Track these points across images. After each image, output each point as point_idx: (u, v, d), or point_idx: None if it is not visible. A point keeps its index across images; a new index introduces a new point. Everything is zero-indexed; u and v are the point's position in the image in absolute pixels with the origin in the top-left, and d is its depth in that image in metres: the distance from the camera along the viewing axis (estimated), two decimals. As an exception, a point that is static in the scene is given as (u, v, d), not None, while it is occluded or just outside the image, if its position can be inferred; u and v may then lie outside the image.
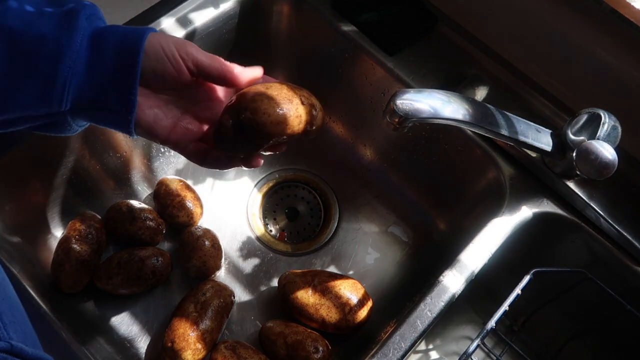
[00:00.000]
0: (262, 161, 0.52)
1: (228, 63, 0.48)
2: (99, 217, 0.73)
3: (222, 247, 0.74)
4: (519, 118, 0.61)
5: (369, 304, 0.69)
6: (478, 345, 0.58)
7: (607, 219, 0.63)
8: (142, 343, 0.69)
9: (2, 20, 0.40)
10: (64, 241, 0.67)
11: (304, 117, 0.50)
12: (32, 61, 0.40)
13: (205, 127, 0.51)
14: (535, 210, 0.65)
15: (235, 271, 0.76)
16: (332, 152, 0.86)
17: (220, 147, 0.49)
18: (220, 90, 0.52)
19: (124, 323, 0.70)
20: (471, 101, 0.57)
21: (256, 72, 0.50)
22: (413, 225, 0.81)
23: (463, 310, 0.79)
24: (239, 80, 0.48)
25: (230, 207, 0.80)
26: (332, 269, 0.77)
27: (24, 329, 0.37)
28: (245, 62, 0.83)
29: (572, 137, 0.61)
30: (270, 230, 0.80)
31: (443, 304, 0.59)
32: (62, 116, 0.43)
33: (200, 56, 0.46)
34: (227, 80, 0.48)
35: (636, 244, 0.62)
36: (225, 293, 0.69)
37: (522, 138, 0.60)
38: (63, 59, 0.40)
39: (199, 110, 0.51)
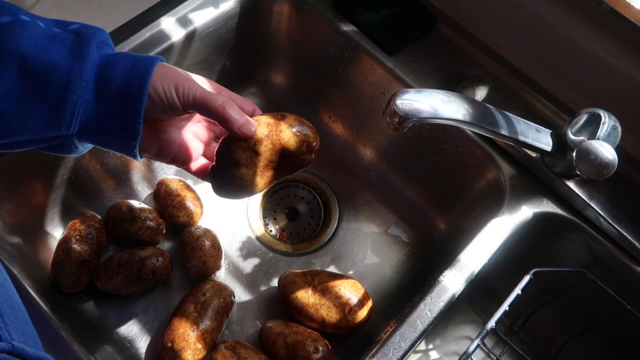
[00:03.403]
0: None
1: (226, 105, 0.46)
2: (99, 217, 0.73)
3: (222, 247, 0.74)
4: (519, 118, 0.61)
5: (369, 304, 0.69)
6: (478, 345, 0.58)
7: (607, 219, 0.63)
8: (142, 343, 0.69)
9: (15, 45, 0.40)
10: (64, 241, 0.67)
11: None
12: (42, 88, 0.41)
13: (206, 145, 0.54)
14: (535, 210, 0.65)
15: (235, 271, 0.76)
16: (332, 152, 0.86)
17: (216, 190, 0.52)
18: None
19: (124, 323, 0.70)
20: (471, 101, 0.57)
21: (251, 129, 0.48)
22: (413, 225, 0.81)
23: (463, 310, 0.79)
24: (231, 129, 0.47)
25: (230, 207, 0.80)
26: (332, 269, 0.77)
27: (26, 330, 0.37)
28: (246, 63, 0.84)
29: (572, 137, 0.61)
30: (270, 230, 0.80)
31: (443, 304, 0.59)
32: (69, 139, 0.44)
33: (201, 96, 0.46)
34: (220, 122, 0.47)
35: (636, 244, 0.62)
36: (225, 293, 0.69)
37: (522, 138, 0.60)
38: (73, 88, 0.41)
39: (199, 129, 0.54)
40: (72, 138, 0.44)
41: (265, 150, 0.48)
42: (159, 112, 0.46)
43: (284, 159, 0.50)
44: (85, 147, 0.48)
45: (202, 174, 0.53)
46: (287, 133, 0.49)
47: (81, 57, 0.42)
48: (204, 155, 0.54)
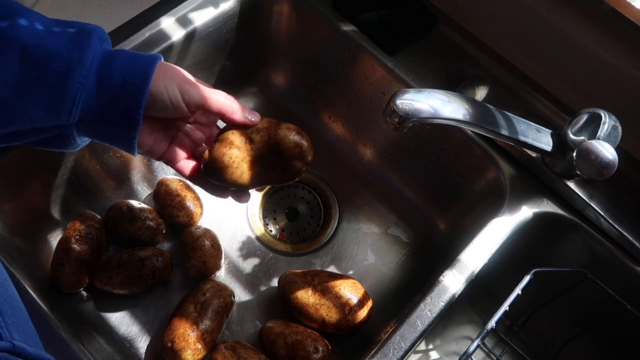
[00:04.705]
0: (249, 197, 0.56)
1: (229, 106, 0.50)
2: (99, 217, 0.73)
3: (222, 247, 0.74)
4: (519, 118, 0.61)
5: (369, 304, 0.69)
6: (478, 345, 0.58)
7: (607, 219, 0.63)
8: (142, 343, 0.69)
9: (15, 34, 0.41)
10: (64, 241, 0.67)
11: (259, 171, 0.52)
12: (42, 75, 0.42)
13: (196, 145, 0.55)
14: (535, 210, 0.65)
15: (235, 271, 0.76)
16: (332, 152, 0.86)
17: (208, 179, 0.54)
18: (211, 116, 0.55)
19: (124, 323, 0.70)
20: (471, 101, 0.57)
21: (253, 118, 0.52)
22: (413, 226, 0.81)
23: (463, 310, 0.79)
24: (236, 120, 0.51)
25: (230, 207, 0.80)
26: (332, 269, 0.77)
27: (26, 329, 0.37)
28: (246, 63, 0.84)
29: (572, 137, 0.61)
30: (270, 230, 0.80)
31: (443, 304, 0.59)
32: (68, 129, 0.45)
33: (204, 97, 0.48)
34: (225, 119, 0.51)
35: (636, 244, 0.62)
36: (225, 293, 0.69)
37: (522, 138, 0.60)
38: (73, 75, 0.42)
39: (191, 130, 0.55)
40: (71, 128, 0.45)
41: (260, 140, 0.51)
42: (160, 110, 0.47)
43: (275, 156, 0.51)
44: (83, 142, 0.48)
45: (194, 175, 0.54)
46: (284, 132, 0.51)
47: (82, 46, 0.43)
48: (193, 155, 0.55)
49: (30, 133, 0.44)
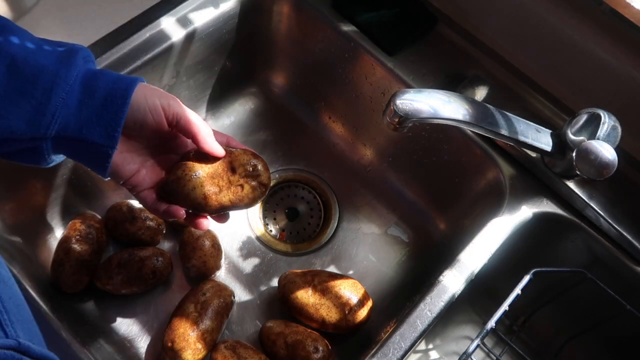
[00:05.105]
0: (207, 224, 0.54)
1: (204, 129, 0.51)
2: (99, 217, 0.73)
3: (222, 247, 0.74)
4: (519, 118, 0.61)
5: (369, 303, 0.69)
6: (478, 345, 0.58)
7: (607, 219, 0.63)
8: (142, 343, 0.69)
9: (5, 47, 0.43)
10: (64, 241, 0.67)
11: (223, 198, 0.53)
12: (28, 88, 0.43)
13: (163, 176, 0.54)
14: (535, 210, 0.65)
15: (235, 271, 0.76)
16: (332, 152, 0.86)
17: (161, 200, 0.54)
18: (185, 146, 0.55)
19: (124, 323, 0.70)
20: (471, 101, 0.57)
21: (219, 150, 0.52)
22: (413, 225, 0.81)
23: (463, 310, 0.79)
24: (206, 143, 0.51)
25: (230, 207, 0.80)
26: (332, 269, 0.77)
27: (30, 328, 0.37)
28: (246, 63, 0.84)
29: (572, 137, 0.61)
30: (270, 230, 0.80)
31: (443, 303, 0.59)
32: (43, 142, 0.45)
33: (184, 110, 0.50)
34: (195, 142, 0.51)
35: (636, 244, 0.62)
36: (225, 293, 0.69)
37: (522, 138, 0.60)
38: (57, 90, 0.43)
39: (162, 159, 0.54)
40: (47, 143, 0.45)
41: (215, 160, 0.53)
42: (140, 121, 0.47)
43: (231, 174, 0.53)
44: (56, 158, 0.48)
45: (146, 201, 0.53)
46: (239, 152, 0.54)
47: (68, 64, 0.44)
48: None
49: (6, 143, 0.44)
